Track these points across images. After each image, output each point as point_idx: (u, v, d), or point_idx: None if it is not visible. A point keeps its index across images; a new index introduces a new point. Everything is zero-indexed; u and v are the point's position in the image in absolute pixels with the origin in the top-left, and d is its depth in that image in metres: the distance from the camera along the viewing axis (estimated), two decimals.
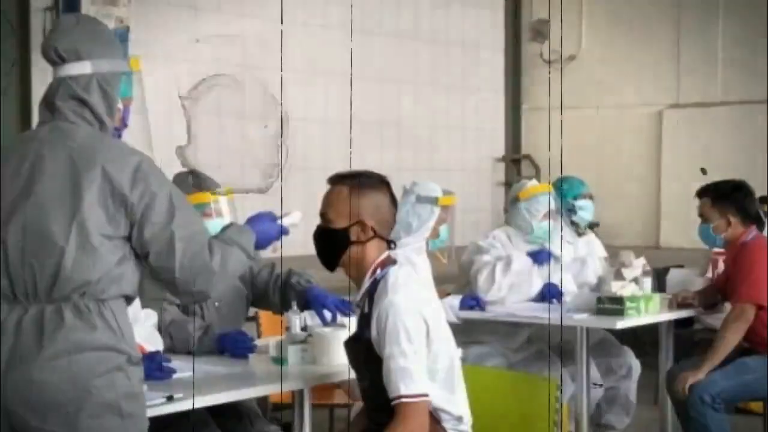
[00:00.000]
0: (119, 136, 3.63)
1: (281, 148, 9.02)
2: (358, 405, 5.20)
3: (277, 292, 5.00)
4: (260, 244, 3.69)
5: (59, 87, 3.48)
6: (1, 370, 3.27)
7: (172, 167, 4.38)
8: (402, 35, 10.22)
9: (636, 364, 6.59)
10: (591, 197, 6.99)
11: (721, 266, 6.72)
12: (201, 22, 8.57)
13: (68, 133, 3.42)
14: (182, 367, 4.20)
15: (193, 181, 4.87)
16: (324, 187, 4.00)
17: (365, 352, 3.84)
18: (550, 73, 11.56)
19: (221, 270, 3.45)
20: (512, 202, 6.68)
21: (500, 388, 4.66)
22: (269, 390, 4.38)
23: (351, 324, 4.37)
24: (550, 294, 6.40)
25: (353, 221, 3.88)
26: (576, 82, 11.31)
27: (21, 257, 3.31)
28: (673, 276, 6.87)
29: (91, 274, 3.30)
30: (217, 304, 4.89)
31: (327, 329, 4.55)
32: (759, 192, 6.43)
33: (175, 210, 3.39)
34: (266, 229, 3.72)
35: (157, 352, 4.24)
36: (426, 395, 3.74)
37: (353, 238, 3.89)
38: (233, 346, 4.59)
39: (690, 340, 7.74)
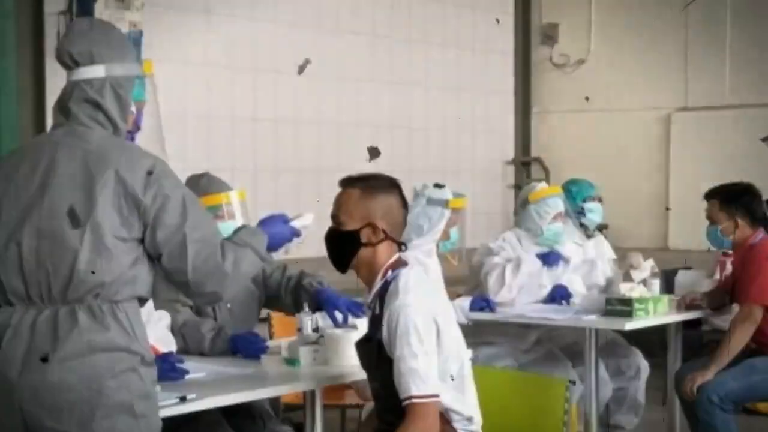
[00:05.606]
0: (132, 139, 3.64)
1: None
2: (369, 405, 5.24)
3: (289, 293, 5.02)
4: (272, 246, 3.72)
5: (73, 90, 3.50)
6: (17, 370, 3.29)
7: (185, 170, 4.39)
8: (413, 39, 10.23)
9: (644, 365, 6.61)
10: (600, 199, 7.02)
11: (728, 268, 6.73)
12: (214, 26, 8.58)
13: (82, 137, 3.44)
14: (195, 368, 4.23)
15: (205, 183, 4.91)
16: (336, 189, 4.02)
17: (376, 353, 3.85)
18: (559, 76, 11.57)
19: (234, 272, 3.47)
20: (522, 204, 6.70)
21: (510, 388, 4.68)
22: (281, 390, 4.41)
23: (362, 325, 4.40)
24: (559, 295, 6.43)
25: (364, 223, 3.89)
26: (585, 85, 11.31)
27: (35, 259, 3.33)
28: (682, 277, 6.88)
29: (105, 276, 3.32)
30: (229, 305, 4.90)
31: (338, 330, 4.56)
32: (766, 194, 6.44)
33: (187, 212, 3.41)
34: (278, 231, 3.75)
35: (170, 353, 4.25)
36: (436, 396, 3.75)
37: (364, 240, 3.89)
38: (246, 347, 4.61)
39: (698, 341, 7.77)
